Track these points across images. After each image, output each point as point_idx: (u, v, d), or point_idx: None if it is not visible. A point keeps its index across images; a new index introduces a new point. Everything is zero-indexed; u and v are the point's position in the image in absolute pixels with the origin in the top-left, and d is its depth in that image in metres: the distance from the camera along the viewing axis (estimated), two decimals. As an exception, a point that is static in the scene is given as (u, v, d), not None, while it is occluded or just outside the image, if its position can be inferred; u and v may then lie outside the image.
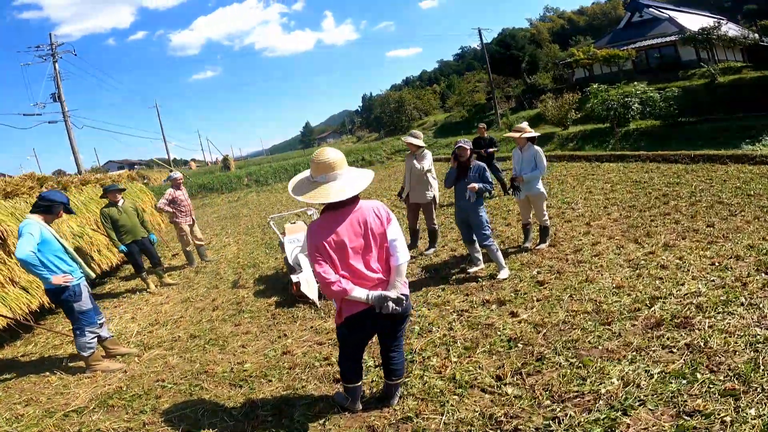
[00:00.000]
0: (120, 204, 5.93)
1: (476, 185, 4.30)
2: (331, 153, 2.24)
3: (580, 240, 5.20)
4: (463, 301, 4.09)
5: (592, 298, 3.62)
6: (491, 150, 8.56)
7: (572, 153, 15.38)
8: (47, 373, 3.98)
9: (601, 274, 4.10)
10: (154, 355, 4.13)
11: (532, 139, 5.01)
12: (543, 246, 5.12)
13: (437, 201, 5.69)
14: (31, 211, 3.68)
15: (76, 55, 20.50)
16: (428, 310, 4.05)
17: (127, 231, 5.88)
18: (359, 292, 2.20)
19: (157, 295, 6.12)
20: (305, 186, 2.24)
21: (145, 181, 32.86)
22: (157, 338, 4.57)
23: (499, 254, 4.46)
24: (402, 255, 2.27)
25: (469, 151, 4.41)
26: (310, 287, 4.48)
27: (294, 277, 4.58)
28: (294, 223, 5.62)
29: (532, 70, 36.10)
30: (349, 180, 2.20)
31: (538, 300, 3.81)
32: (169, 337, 4.55)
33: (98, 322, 3.90)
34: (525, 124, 5.21)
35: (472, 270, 4.70)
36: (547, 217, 5.12)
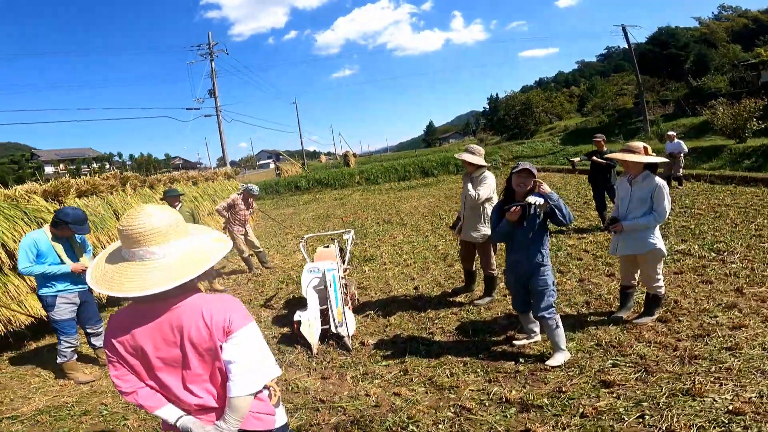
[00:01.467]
0: (178, 208, 6.07)
1: (539, 199, 2.86)
2: (146, 218, 1.34)
3: (715, 317, 3.44)
4: (479, 391, 2.90)
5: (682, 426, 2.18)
6: (609, 157, 6.57)
7: (746, 174, 11.66)
8: (38, 372, 4.21)
9: (721, 385, 2.52)
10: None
11: (652, 167, 3.41)
12: (646, 320, 3.50)
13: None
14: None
15: (228, 54, 23.40)
16: (424, 391, 3.00)
17: None
18: (167, 413, 1.44)
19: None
20: (113, 258, 1.43)
21: (278, 172, 36.58)
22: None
23: (560, 332, 3.08)
24: (240, 386, 1.39)
25: (532, 182, 2.96)
26: (311, 329, 3.82)
27: (297, 315, 3.95)
28: (327, 247, 4.98)
29: (699, 71, 29.84)
30: (169, 264, 1.34)
31: (584, 416, 2.46)
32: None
33: (74, 334, 3.87)
34: (641, 148, 3.49)
35: (519, 342, 3.44)
36: (660, 283, 3.47)
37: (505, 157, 24.70)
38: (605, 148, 7.10)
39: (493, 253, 4.46)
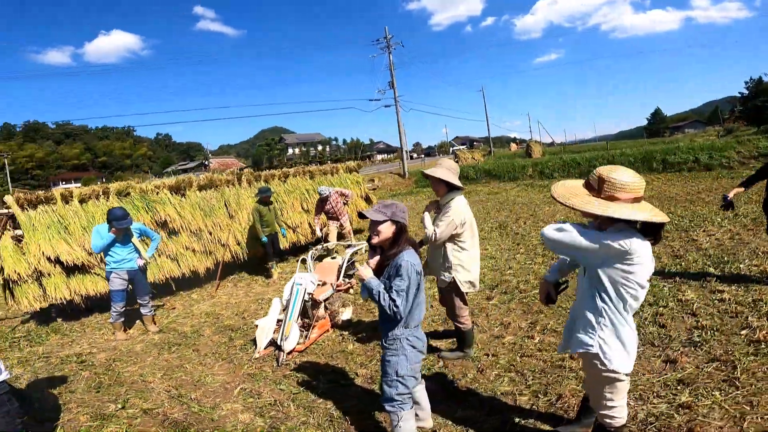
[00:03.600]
0: (269, 207, 6.96)
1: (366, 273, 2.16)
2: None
3: None
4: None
5: None
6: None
7: None
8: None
9: None
10: (151, 344, 4.52)
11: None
12: None
13: (470, 284, 3.14)
14: None
15: (404, 47, 24.43)
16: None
17: (268, 225, 6.88)
18: None
19: (265, 286, 6.57)
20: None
21: (456, 159, 36.68)
22: (189, 327, 4.92)
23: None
24: None
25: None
26: (262, 335, 3.52)
27: (258, 320, 3.73)
28: (334, 257, 4.51)
29: None
30: None
31: None
32: (191, 330, 4.81)
33: (120, 302, 4.73)
34: None
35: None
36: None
37: (747, 154, 17.75)
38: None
39: (461, 304, 3.19)
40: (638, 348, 1.94)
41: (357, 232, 10.31)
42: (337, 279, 4.46)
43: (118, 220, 4.47)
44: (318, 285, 4.05)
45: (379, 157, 67.79)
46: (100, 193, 6.03)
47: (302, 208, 8.59)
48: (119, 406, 3.21)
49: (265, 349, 3.75)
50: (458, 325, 3.26)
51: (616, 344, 1.73)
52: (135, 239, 4.82)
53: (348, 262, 4.66)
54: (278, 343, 3.54)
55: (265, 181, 8.29)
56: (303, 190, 8.86)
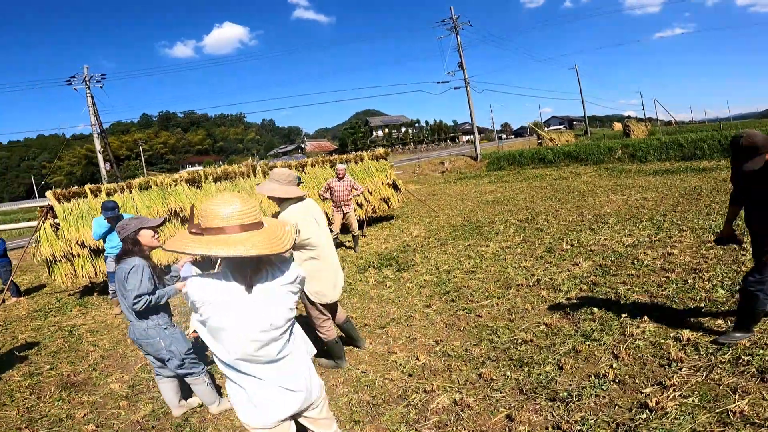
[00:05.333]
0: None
1: None
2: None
3: None
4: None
5: None
6: None
7: None
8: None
9: None
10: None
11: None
12: None
13: (320, 294, 3.04)
14: None
15: (471, 26, 22.84)
16: None
17: None
18: None
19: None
20: None
21: (539, 140, 33.85)
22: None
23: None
24: None
25: None
26: None
27: None
28: None
29: None
30: None
31: None
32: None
33: (113, 282, 5.30)
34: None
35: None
36: None
37: None
38: None
39: (317, 314, 3.09)
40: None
41: (380, 219, 10.35)
42: None
43: (107, 210, 5.17)
44: None
45: (465, 138, 65.46)
46: (125, 187, 6.95)
47: (321, 197, 8.82)
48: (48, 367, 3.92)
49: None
50: (319, 335, 3.14)
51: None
52: None
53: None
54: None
55: (300, 167, 8.72)
56: (321, 179, 9.07)
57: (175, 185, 7.34)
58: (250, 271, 1.42)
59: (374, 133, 62.01)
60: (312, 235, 2.89)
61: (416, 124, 57.38)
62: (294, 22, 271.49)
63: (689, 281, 4.13)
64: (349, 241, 8.06)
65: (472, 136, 28.49)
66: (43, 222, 6.39)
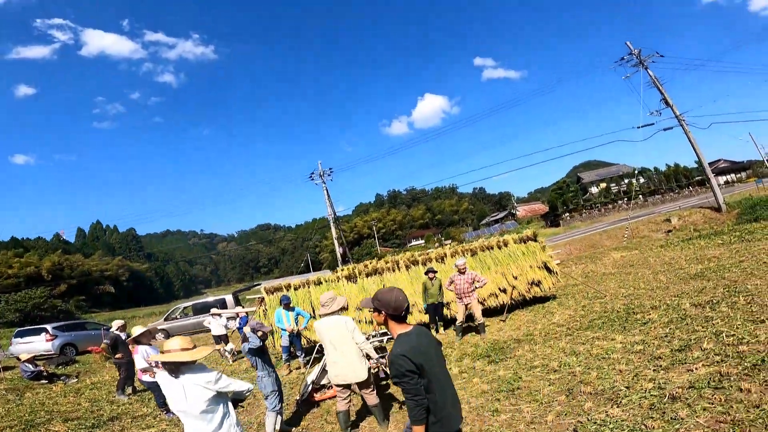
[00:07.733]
0: (433, 278, 8.79)
1: None
2: None
3: None
4: None
5: None
6: None
7: None
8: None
9: None
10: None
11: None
12: None
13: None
14: None
15: (662, 56, 19.32)
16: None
17: (431, 295, 8.77)
18: None
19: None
20: None
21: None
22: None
23: None
24: None
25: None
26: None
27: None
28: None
29: None
30: None
31: None
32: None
33: (285, 353, 8.04)
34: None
35: None
36: None
37: None
38: None
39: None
40: None
41: (539, 300, 9.84)
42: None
43: (282, 302, 7.72)
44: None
45: (722, 179, 51.35)
46: (306, 283, 9.70)
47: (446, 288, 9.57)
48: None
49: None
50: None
51: None
52: (292, 315, 7.95)
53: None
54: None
55: (423, 264, 9.95)
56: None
57: (338, 281, 9.65)
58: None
59: (588, 191, 56.17)
60: (328, 341, 4.58)
61: (644, 173, 48.73)
62: (486, 83, 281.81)
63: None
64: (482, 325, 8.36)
65: (731, 176, 22.64)
66: (259, 307, 9.60)
